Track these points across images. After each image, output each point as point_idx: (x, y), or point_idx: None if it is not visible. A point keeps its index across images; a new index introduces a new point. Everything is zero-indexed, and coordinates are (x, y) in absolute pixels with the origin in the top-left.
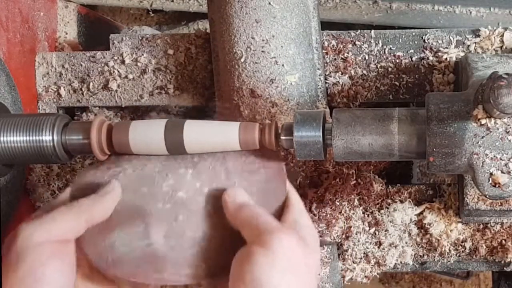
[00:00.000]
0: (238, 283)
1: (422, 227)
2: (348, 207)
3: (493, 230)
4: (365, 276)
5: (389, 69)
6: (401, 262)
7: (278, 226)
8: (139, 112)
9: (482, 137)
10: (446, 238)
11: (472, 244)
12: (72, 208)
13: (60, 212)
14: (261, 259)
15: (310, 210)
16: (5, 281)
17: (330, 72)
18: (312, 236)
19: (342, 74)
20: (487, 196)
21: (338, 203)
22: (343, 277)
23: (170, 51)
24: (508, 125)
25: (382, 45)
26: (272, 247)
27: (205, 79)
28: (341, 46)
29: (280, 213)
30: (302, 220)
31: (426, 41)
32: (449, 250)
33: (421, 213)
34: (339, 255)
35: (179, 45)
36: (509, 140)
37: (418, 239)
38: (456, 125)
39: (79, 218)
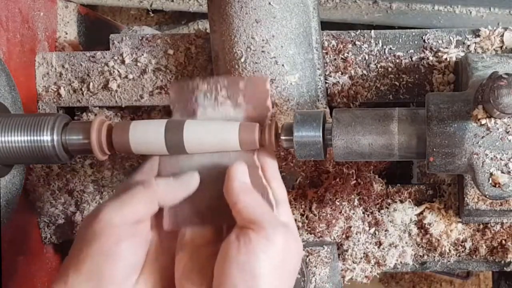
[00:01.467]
0: (231, 265)
1: (422, 227)
2: (348, 207)
3: (493, 230)
4: (365, 276)
5: (389, 69)
6: (401, 262)
7: (281, 221)
8: (139, 112)
9: (482, 137)
10: (446, 238)
11: (472, 244)
12: (148, 191)
13: (137, 194)
14: (260, 249)
15: (310, 210)
16: (76, 256)
17: (330, 72)
18: (297, 234)
19: (342, 74)
20: (487, 196)
21: (338, 203)
22: (343, 277)
23: (170, 51)
24: (508, 125)
25: (382, 45)
26: (275, 241)
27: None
28: (341, 46)
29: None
30: (291, 220)
31: (426, 41)
32: (449, 250)
33: (421, 213)
34: (339, 255)
35: (179, 45)
36: (509, 140)
37: (418, 239)
38: (456, 125)
39: (153, 201)
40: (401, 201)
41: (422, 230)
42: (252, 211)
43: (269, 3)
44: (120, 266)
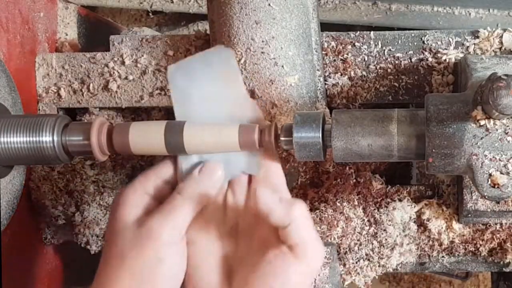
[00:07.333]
0: (268, 281)
1: (421, 225)
2: (348, 207)
3: (492, 230)
4: (365, 281)
5: (389, 70)
6: (401, 263)
7: (317, 238)
8: (139, 113)
9: (481, 138)
10: (445, 239)
11: (471, 244)
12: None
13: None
14: (297, 270)
15: (310, 211)
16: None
17: (329, 73)
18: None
19: (341, 75)
20: (486, 197)
21: (338, 204)
22: (344, 280)
23: (170, 52)
24: (507, 126)
25: (382, 46)
26: (311, 262)
27: None
28: (341, 47)
29: None
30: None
31: (425, 42)
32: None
33: (421, 214)
34: (338, 256)
35: (179, 46)
36: (508, 141)
37: (418, 240)
38: (455, 126)
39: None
40: (400, 200)
41: (421, 230)
42: (302, 234)
43: (269, 4)
44: (165, 272)
